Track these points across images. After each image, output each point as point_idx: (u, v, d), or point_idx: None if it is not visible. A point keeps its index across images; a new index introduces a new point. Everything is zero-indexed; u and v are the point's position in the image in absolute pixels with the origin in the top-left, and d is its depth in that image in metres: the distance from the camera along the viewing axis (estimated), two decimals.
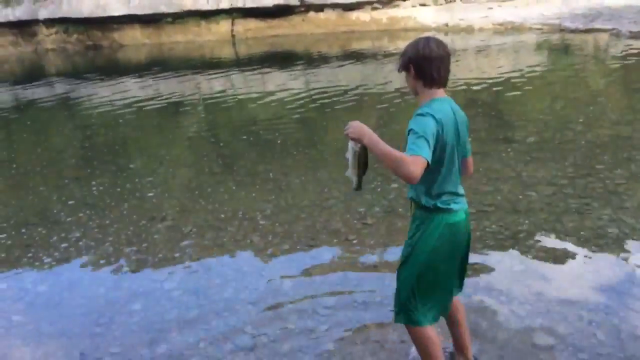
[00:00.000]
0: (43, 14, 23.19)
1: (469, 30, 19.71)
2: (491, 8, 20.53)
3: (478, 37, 18.37)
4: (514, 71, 12.19)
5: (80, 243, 4.97)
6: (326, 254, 4.43)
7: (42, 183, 6.82)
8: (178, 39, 23.01)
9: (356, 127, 2.30)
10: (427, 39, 2.40)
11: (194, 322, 3.58)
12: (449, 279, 2.58)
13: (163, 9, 22.24)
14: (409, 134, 2.27)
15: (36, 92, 14.24)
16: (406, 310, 2.56)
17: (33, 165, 7.62)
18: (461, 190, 2.54)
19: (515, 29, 18.94)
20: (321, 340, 3.29)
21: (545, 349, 3.07)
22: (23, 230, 5.32)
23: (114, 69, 17.54)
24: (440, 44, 2.38)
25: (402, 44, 17.90)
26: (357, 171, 2.44)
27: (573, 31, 17.29)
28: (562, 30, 17.69)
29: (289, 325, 3.46)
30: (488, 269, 3.98)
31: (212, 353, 3.26)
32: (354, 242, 4.58)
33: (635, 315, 3.32)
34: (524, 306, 3.48)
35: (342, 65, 15.44)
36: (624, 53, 13.54)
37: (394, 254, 4.22)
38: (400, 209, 5.05)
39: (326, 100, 10.48)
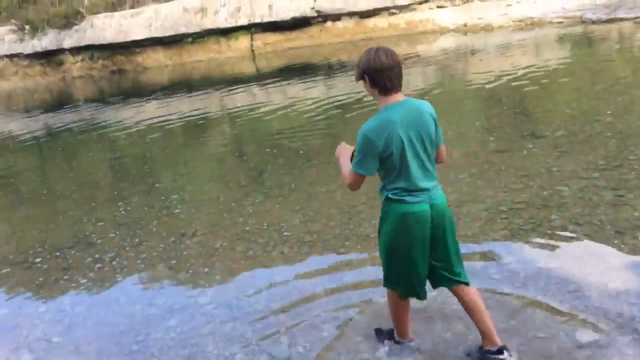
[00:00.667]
0: (68, 43, 23.89)
1: (488, 28, 19.53)
2: (510, 5, 20.29)
3: (498, 35, 18.17)
4: (536, 66, 12.00)
5: (114, 263, 5.06)
6: (357, 260, 4.40)
7: (74, 206, 6.97)
8: (199, 58, 23.39)
9: (338, 149, 3.02)
10: (377, 49, 2.64)
11: (229, 335, 3.60)
12: (413, 264, 2.81)
13: (183, 29, 22.68)
14: None
15: (66, 117, 14.62)
16: (385, 276, 2.98)
17: (65, 189, 7.80)
18: (426, 184, 2.73)
19: (535, 24, 18.68)
20: (359, 348, 3.26)
21: (587, 346, 2.98)
22: (58, 254, 5.44)
23: (139, 91, 17.89)
24: (389, 53, 2.62)
25: (421, 48, 17.93)
26: None
27: (595, 22, 16.96)
28: (584, 22, 17.38)
29: (324, 334, 3.44)
30: (523, 267, 3.89)
31: None
32: None
33: None
34: (563, 303, 3.40)
35: None
36: None
37: None
38: None
39: (347, 108, 10.49)
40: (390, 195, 2.76)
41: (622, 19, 16.48)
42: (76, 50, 24.20)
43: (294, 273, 4.35)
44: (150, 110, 13.89)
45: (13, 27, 25.09)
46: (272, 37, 23.10)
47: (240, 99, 14.13)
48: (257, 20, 22.33)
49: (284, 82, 15.40)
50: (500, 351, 2.84)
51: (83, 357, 3.62)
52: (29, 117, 16.09)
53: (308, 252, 4.66)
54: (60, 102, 18.11)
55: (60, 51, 24.28)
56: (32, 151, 11.46)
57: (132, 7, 24.61)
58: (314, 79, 15.35)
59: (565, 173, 5.50)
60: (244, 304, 3.98)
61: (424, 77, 13.30)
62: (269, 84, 15.66)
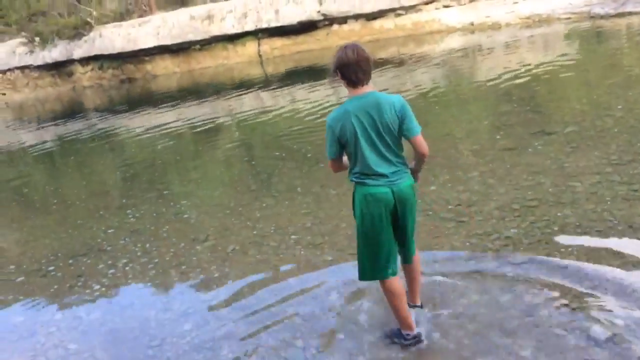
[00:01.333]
0: (78, 53, 24.13)
1: (495, 27, 19.44)
2: (516, 2, 20.17)
3: (505, 33, 18.08)
4: (545, 63, 11.92)
5: (127, 269, 5.09)
6: None
7: (85, 214, 7.02)
8: (207, 64, 23.50)
9: None
10: (346, 46, 2.95)
11: (244, 339, 3.60)
12: (377, 242, 3.07)
13: (191, 37, 22.80)
14: None
15: (76, 126, 14.74)
16: (359, 269, 3.21)
17: (76, 197, 7.86)
18: (383, 170, 2.98)
19: (543, 20, 18.57)
20: (374, 348, 3.25)
21: (602, 342, 2.96)
22: (71, 262, 5.49)
23: (149, 99, 18.00)
24: (356, 49, 2.90)
25: (429, 48, 17.86)
26: None
27: (604, 17, 16.83)
28: (592, 17, 17.25)
29: (339, 336, 3.44)
30: (538, 264, 3.87)
31: None
32: None
33: None
34: (579, 300, 3.37)
35: None
36: None
37: (439, 257, 4.17)
38: (441, 212, 4.98)
39: None
40: (353, 179, 3.09)
41: (630, 13, 16.34)
42: (86, 61, 24.42)
43: (306, 276, 4.35)
44: (160, 117, 13.97)
45: (23, 39, 25.39)
46: (279, 42, 23.15)
47: (248, 103, 14.17)
48: (264, 26, 22.40)
49: (291, 86, 15.43)
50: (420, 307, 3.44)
51: None
52: (41, 127, 16.26)
53: (320, 254, 4.66)
54: (71, 111, 18.28)
55: (70, 62, 24.52)
56: (44, 160, 11.57)
57: (140, 16, 24.81)
58: (321, 81, 15.36)
59: (578, 169, 5.46)
60: (258, 307, 3.98)
61: (432, 76, 13.26)
62: (277, 88, 15.70)
